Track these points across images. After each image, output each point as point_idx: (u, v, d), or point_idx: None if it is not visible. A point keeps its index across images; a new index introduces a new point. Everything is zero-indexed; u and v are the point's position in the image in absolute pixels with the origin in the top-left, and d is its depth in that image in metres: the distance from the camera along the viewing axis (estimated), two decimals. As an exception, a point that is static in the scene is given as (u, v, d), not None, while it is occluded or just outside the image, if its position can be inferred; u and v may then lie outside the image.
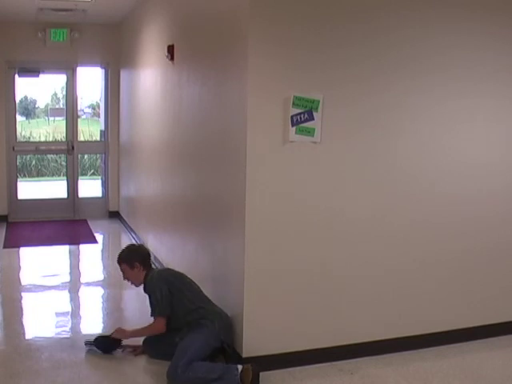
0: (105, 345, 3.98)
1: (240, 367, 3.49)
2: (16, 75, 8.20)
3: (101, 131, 9.34)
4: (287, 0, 3.54)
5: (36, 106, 12.29)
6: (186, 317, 3.78)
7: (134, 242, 6.83)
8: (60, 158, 11.02)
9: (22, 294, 5.43)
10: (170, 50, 5.25)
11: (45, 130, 11.76)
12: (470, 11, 3.98)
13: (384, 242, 3.96)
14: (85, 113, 11.76)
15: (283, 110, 3.58)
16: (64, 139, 8.91)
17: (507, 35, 4.13)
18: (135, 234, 7.29)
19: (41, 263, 6.46)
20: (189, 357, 3.52)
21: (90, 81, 9.49)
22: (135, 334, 3.98)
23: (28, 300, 5.28)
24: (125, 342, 4.02)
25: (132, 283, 4.07)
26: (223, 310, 3.84)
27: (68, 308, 5.10)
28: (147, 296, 3.93)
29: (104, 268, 6.43)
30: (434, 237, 4.10)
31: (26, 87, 9.88)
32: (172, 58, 5.25)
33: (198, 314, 3.77)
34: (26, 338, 4.36)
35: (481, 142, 4.19)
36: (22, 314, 4.97)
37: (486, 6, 4.03)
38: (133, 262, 4.00)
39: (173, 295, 3.83)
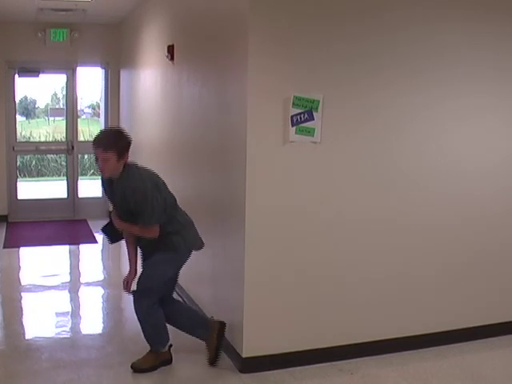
0: (110, 231, 3.84)
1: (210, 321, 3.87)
2: (16, 75, 8.20)
3: (101, 131, 9.32)
4: (287, 0, 3.54)
5: (36, 105, 12.28)
6: (166, 227, 3.65)
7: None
8: (60, 157, 11.00)
9: (22, 294, 5.43)
10: (170, 50, 5.25)
11: (45, 130, 11.75)
12: (470, 10, 3.98)
13: (384, 242, 3.96)
14: (85, 113, 11.75)
15: (283, 110, 3.58)
16: (64, 139, 8.90)
17: (507, 34, 4.13)
18: (135, 234, 7.27)
19: (41, 263, 6.45)
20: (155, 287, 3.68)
21: (90, 81, 9.49)
22: (129, 227, 3.67)
23: (28, 300, 5.28)
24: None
25: (104, 172, 3.52)
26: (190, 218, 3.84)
27: (68, 308, 5.10)
28: (129, 195, 3.51)
29: (104, 268, 6.43)
30: (433, 237, 4.10)
31: (26, 87, 9.85)
32: (172, 58, 5.25)
33: (173, 226, 3.67)
34: (26, 337, 4.36)
35: (481, 141, 4.19)
36: (22, 314, 4.97)
37: (486, 4, 4.03)
38: (124, 151, 3.49)
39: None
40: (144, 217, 3.53)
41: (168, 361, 3.80)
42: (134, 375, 3.71)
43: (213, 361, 3.81)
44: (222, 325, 3.85)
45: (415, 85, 3.90)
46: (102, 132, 3.66)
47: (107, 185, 3.69)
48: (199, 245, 3.84)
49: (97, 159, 3.47)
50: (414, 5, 3.82)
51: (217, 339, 3.80)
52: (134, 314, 3.73)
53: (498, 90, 4.18)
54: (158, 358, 3.77)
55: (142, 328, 3.74)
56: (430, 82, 3.93)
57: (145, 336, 3.77)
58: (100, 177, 3.76)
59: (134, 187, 3.50)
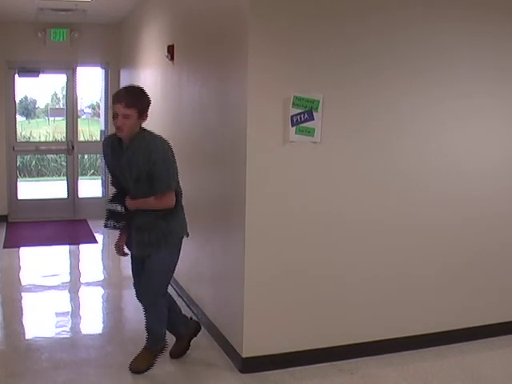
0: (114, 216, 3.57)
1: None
2: (16, 75, 8.20)
3: (101, 131, 9.33)
4: (287, 0, 3.54)
5: (36, 106, 12.28)
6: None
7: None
8: (60, 158, 11.00)
9: (22, 294, 5.43)
10: (170, 50, 5.25)
11: (45, 130, 11.75)
12: (470, 10, 3.98)
13: (384, 243, 3.96)
14: (85, 113, 11.75)
15: (283, 110, 3.58)
16: (64, 139, 8.91)
17: (507, 34, 4.13)
18: (135, 233, 7.27)
19: (41, 263, 6.45)
20: (164, 285, 3.63)
21: (90, 81, 9.49)
22: (143, 203, 3.45)
23: (28, 300, 5.28)
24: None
25: (122, 130, 3.32)
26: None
27: (68, 308, 5.10)
28: (144, 160, 3.32)
29: (104, 268, 6.43)
30: (433, 237, 4.10)
31: (26, 87, 9.86)
32: (172, 58, 5.25)
33: (176, 210, 3.54)
34: (26, 337, 4.36)
35: (481, 141, 4.18)
36: (22, 314, 4.97)
37: (486, 5, 4.02)
38: (145, 110, 3.36)
39: None
40: (161, 182, 3.35)
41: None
42: (133, 375, 3.70)
43: (177, 356, 3.89)
44: (199, 327, 4.01)
45: (415, 85, 3.90)
46: (124, 88, 3.46)
47: (113, 152, 3.46)
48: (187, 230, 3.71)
49: (114, 116, 3.28)
50: (413, 5, 3.82)
51: (188, 340, 3.93)
52: (134, 314, 3.74)
53: (498, 90, 4.17)
54: (153, 354, 3.76)
55: (148, 322, 3.71)
56: (430, 82, 3.93)
57: (152, 330, 3.73)
58: (103, 146, 3.53)
59: (152, 149, 3.31)
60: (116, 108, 3.27)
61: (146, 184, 3.36)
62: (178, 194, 3.55)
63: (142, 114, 3.32)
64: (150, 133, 3.44)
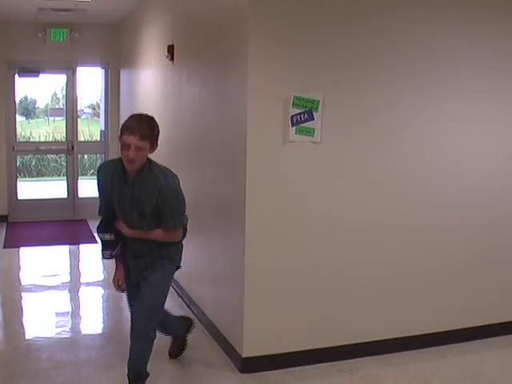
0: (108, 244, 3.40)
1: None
2: (16, 75, 8.20)
3: (101, 131, 9.33)
4: (287, 0, 3.54)
5: (36, 106, 12.27)
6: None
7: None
8: (60, 157, 10.99)
9: (22, 294, 5.43)
10: (170, 50, 5.25)
11: (45, 130, 11.74)
12: (470, 10, 3.98)
13: (384, 243, 3.96)
14: (85, 113, 11.74)
15: (283, 110, 3.58)
16: (64, 139, 8.90)
17: (507, 34, 4.13)
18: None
19: (41, 263, 6.45)
20: (160, 311, 3.43)
21: (90, 81, 9.49)
22: (146, 233, 3.27)
23: (28, 300, 5.28)
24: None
25: (134, 162, 3.09)
26: None
27: (68, 308, 5.10)
28: (159, 197, 3.13)
29: (104, 268, 6.42)
30: (433, 237, 4.10)
31: (26, 87, 9.85)
32: (172, 58, 5.25)
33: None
34: (26, 338, 4.36)
35: (481, 141, 4.18)
36: (22, 314, 4.97)
37: (485, 4, 4.02)
38: (156, 141, 3.16)
39: None
40: (173, 219, 3.22)
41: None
42: (134, 375, 3.71)
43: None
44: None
45: (415, 85, 3.90)
46: (135, 118, 3.13)
47: (114, 181, 3.21)
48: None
49: (125, 147, 3.03)
50: (414, 5, 3.82)
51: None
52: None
53: (498, 90, 4.17)
54: (183, 340, 3.91)
55: (162, 332, 3.73)
56: (430, 82, 3.93)
57: (167, 334, 3.83)
58: (101, 172, 3.30)
59: (163, 185, 3.13)
60: (128, 139, 3.02)
61: (152, 218, 3.23)
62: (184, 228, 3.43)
63: (153, 145, 3.12)
64: (158, 165, 3.23)
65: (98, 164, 10.31)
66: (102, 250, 3.41)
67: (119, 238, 3.35)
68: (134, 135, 3.01)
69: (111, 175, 3.22)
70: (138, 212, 3.20)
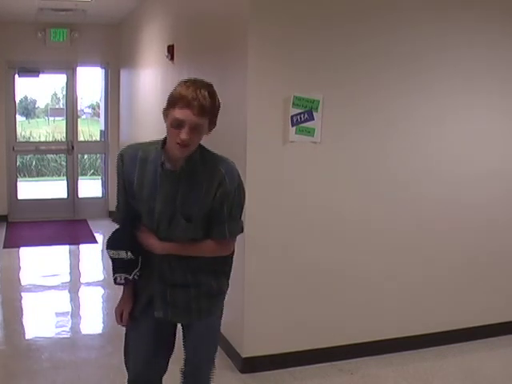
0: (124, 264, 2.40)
1: None
2: (16, 75, 8.19)
3: (101, 131, 9.33)
4: (287, 0, 3.54)
5: (36, 106, 12.27)
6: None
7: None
8: (60, 158, 10.99)
9: (22, 294, 5.43)
10: (170, 49, 5.25)
11: (45, 130, 11.74)
12: (469, 10, 3.98)
13: (384, 243, 3.96)
14: (85, 113, 11.73)
15: (283, 109, 3.57)
16: (64, 139, 8.90)
17: (507, 33, 4.13)
18: (135, 233, 7.27)
19: (41, 263, 6.45)
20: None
21: (90, 81, 9.48)
22: (188, 248, 2.34)
23: (28, 300, 5.28)
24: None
25: (187, 147, 2.24)
26: None
27: (68, 308, 5.11)
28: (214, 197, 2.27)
29: (104, 268, 6.42)
30: (433, 237, 4.10)
31: (26, 87, 9.84)
32: (172, 58, 5.25)
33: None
34: (26, 337, 4.36)
35: (483, 141, 4.18)
36: (22, 314, 4.96)
37: (485, 4, 4.02)
38: (216, 118, 2.33)
39: None
40: (233, 221, 2.34)
41: None
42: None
43: None
44: None
45: (416, 85, 3.90)
46: (191, 85, 2.19)
47: (147, 173, 2.32)
48: None
49: (177, 125, 2.19)
50: (414, 5, 3.82)
51: None
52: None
53: (499, 90, 4.17)
54: None
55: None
56: (431, 82, 3.93)
57: None
58: (126, 160, 2.36)
59: (226, 177, 2.29)
60: (182, 114, 2.16)
61: (200, 224, 2.31)
62: None
63: (213, 122, 2.31)
64: (211, 152, 2.43)
65: (98, 164, 10.31)
66: (115, 273, 2.42)
67: (138, 256, 2.38)
68: (190, 109, 2.15)
69: (141, 164, 2.33)
70: (183, 216, 2.29)
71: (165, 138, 2.33)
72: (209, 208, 2.29)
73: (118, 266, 2.41)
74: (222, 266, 2.44)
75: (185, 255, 2.33)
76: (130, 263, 2.37)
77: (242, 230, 2.41)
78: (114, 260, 2.42)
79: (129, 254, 2.36)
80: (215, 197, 2.27)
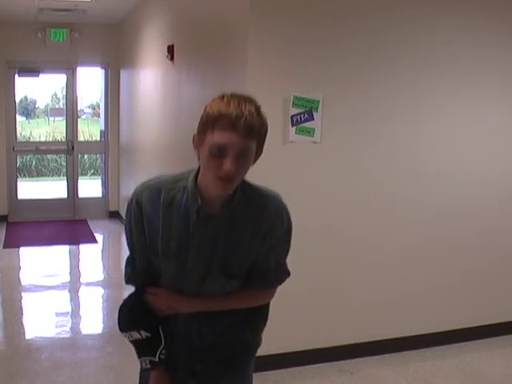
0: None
1: None
2: (16, 75, 8.20)
3: (101, 131, 9.33)
4: (287, 0, 3.53)
5: (36, 106, 12.28)
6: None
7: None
8: (60, 158, 11.00)
9: (22, 294, 5.43)
10: (170, 50, 5.25)
11: (45, 130, 11.75)
12: (470, 8, 3.97)
13: (384, 243, 3.96)
14: (85, 113, 11.75)
15: (283, 109, 3.57)
16: (64, 139, 8.91)
17: (508, 32, 4.13)
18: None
19: (41, 263, 6.45)
20: None
21: (90, 81, 9.48)
22: (221, 302, 1.92)
23: (28, 300, 5.28)
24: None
25: (232, 182, 1.72)
26: None
27: (68, 308, 5.11)
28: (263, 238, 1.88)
29: (104, 268, 6.43)
30: (433, 238, 4.09)
31: (26, 87, 9.86)
32: (172, 58, 5.25)
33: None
34: (26, 338, 4.36)
35: (487, 142, 4.18)
36: (22, 314, 4.96)
37: (486, 3, 4.02)
38: (264, 142, 1.87)
39: None
40: (280, 269, 2.04)
41: None
42: (133, 375, 3.69)
43: None
44: None
45: (416, 85, 3.89)
46: (235, 100, 1.67)
47: (175, 224, 1.80)
48: None
49: (218, 153, 1.67)
50: (414, 3, 3.82)
51: None
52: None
53: (502, 86, 4.16)
54: None
55: None
56: (431, 83, 3.93)
57: None
58: (138, 213, 1.82)
59: (277, 220, 1.99)
60: (225, 138, 1.64)
61: (242, 278, 1.91)
62: None
63: (260, 149, 1.84)
64: (255, 185, 1.96)
65: (98, 164, 10.24)
66: (138, 358, 1.97)
67: (157, 330, 1.92)
68: (235, 130, 1.64)
69: (166, 210, 1.81)
70: (223, 273, 1.84)
71: (197, 172, 1.84)
72: (254, 258, 1.88)
73: (138, 349, 1.94)
74: (254, 318, 2.11)
75: (216, 311, 1.89)
76: (149, 343, 1.90)
77: (288, 275, 2.05)
78: (130, 342, 1.95)
79: (142, 333, 1.89)
80: (263, 244, 1.87)
